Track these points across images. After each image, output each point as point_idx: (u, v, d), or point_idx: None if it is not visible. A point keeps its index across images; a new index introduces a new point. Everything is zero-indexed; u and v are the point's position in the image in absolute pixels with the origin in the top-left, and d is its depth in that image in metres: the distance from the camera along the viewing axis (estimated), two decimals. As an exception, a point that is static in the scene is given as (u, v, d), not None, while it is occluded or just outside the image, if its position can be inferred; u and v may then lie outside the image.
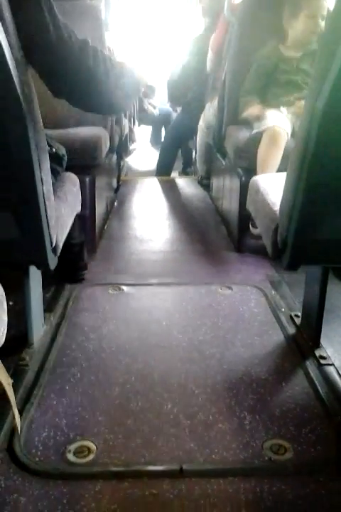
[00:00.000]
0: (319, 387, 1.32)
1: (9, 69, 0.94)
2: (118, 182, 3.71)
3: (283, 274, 2.01)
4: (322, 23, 2.24)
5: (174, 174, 4.41)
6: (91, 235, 2.29)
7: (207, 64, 3.16)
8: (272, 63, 2.34)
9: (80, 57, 1.14)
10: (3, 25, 0.92)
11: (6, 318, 0.82)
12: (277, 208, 1.31)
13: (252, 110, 2.33)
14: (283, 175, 1.28)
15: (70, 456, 1.07)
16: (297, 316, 1.67)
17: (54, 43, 1.08)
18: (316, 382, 1.34)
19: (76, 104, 1.29)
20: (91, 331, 1.61)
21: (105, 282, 1.98)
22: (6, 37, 0.94)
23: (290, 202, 1.17)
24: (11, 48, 0.95)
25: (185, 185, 4.02)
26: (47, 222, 1.17)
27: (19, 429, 1.10)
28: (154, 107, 5.59)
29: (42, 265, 1.28)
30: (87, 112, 1.66)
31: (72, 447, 1.10)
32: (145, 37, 6.39)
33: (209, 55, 3.10)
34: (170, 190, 3.85)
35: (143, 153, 5.67)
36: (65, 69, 1.12)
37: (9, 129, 1.00)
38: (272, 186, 1.47)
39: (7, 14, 0.94)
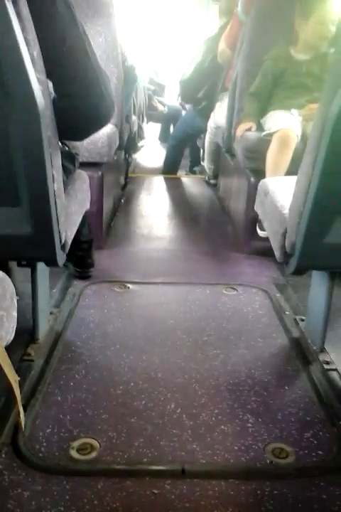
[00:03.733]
0: (322, 392, 1.32)
1: (25, 66, 0.94)
2: (126, 179, 3.72)
3: (289, 277, 2.01)
4: (333, 28, 2.23)
5: (181, 173, 4.41)
6: (99, 232, 2.30)
7: (219, 56, 3.17)
8: (279, 65, 2.33)
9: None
10: (20, 21, 0.92)
11: (16, 314, 0.83)
12: (286, 211, 1.31)
13: (239, 130, 2.37)
14: (293, 178, 1.28)
15: (73, 453, 1.08)
16: (302, 319, 1.68)
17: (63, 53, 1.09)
18: (319, 386, 1.34)
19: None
20: (96, 328, 1.62)
21: (111, 280, 1.98)
22: (23, 33, 0.93)
23: (300, 206, 1.17)
24: (27, 45, 0.95)
25: (192, 184, 4.02)
26: (57, 220, 1.17)
27: (23, 425, 1.11)
28: (163, 105, 5.58)
29: (50, 262, 1.29)
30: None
31: (76, 444, 1.11)
32: (154, 36, 6.39)
33: (222, 48, 3.10)
34: (177, 188, 3.85)
35: (151, 151, 5.67)
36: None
37: (23, 126, 1.00)
38: (281, 189, 1.47)
39: (24, 11, 0.94)
